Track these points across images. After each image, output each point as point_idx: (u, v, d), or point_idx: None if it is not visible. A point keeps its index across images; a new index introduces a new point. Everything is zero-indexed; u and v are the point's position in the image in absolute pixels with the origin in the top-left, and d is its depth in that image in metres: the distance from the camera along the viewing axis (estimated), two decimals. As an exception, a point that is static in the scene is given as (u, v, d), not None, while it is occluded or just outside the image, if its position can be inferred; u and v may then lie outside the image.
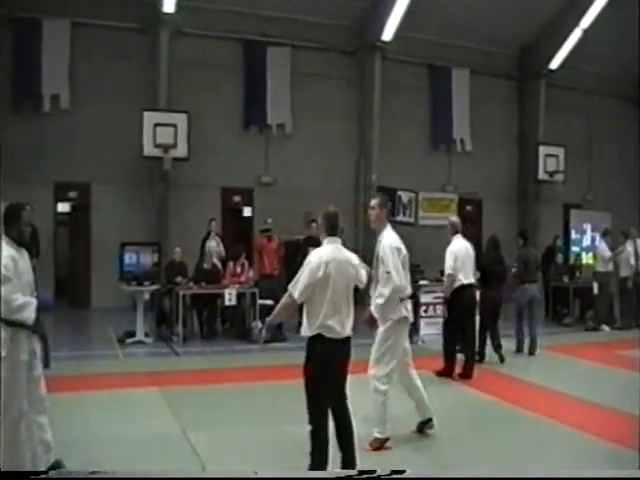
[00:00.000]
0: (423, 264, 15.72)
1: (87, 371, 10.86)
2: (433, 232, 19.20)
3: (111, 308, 17.66)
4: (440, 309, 12.51)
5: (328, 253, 6.18)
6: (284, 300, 6.23)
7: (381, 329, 7.45)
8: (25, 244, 6.30)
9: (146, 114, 18.32)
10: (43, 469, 6.29)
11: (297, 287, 6.08)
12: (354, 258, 6.39)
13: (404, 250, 7.52)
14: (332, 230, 6.35)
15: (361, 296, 7.36)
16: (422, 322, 14.25)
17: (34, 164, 18.38)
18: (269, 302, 14.77)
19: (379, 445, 7.24)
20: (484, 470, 6.18)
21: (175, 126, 18.44)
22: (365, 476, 4.85)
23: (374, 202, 7.68)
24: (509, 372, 11.45)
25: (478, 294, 11.91)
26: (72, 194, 19.53)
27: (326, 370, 6.09)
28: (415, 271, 14.57)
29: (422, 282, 14.73)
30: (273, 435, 7.74)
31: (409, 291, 7.61)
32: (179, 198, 19.51)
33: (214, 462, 6.83)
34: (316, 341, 6.10)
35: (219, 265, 15.56)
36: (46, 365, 6.50)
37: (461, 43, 22.70)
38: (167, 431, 7.91)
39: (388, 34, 21.32)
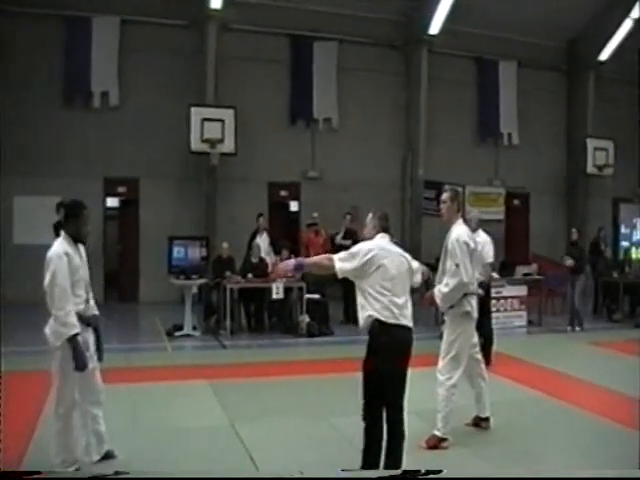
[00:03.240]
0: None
1: (136, 363, 11.01)
2: (481, 226, 19.10)
3: (159, 302, 17.86)
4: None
5: (382, 245, 6.07)
6: (325, 262, 6.10)
7: (447, 324, 7.54)
8: (82, 241, 6.52)
9: (194, 109, 18.47)
10: (96, 458, 6.43)
11: (344, 262, 5.94)
12: (405, 254, 6.23)
13: (472, 245, 7.53)
14: (384, 229, 6.23)
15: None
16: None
17: (84, 159, 18.72)
18: (316, 296, 14.88)
19: (436, 443, 7.17)
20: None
21: (222, 121, 18.55)
22: (407, 476, 4.80)
23: (445, 196, 7.64)
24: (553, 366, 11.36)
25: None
26: (121, 189, 19.76)
27: (386, 357, 5.84)
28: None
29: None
30: (320, 428, 7.78)
31: (475, 287, 7.65)
32: (226, 193, 19.63)
33: (261, 454, 6.88)
34: (376, 324, 5.87)
35: (267, 259, 15.64)
36: (99, 358, 6.61)
37: (508, 36, 22.46)
38: (216, 423, 8.00)
39: (435, 28, 21.23)
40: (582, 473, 5.47)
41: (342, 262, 5.94)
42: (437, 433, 7.21)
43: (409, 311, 6.04)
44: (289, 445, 7.25)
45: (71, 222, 6.47)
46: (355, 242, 17.10)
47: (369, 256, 5.91)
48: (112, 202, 19.97)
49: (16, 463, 6.44)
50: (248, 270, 14.96)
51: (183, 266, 14.51)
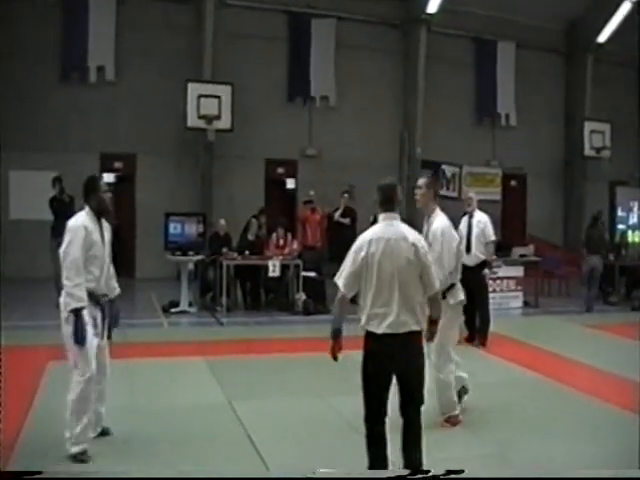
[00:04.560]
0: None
1: (132, 339, 10.93)
2: (477, 207, 19.10)
3: (155, 278, 17.87)
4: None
5: (375, 231, 5.41)
6: (337, 296, 5.50)
7: (443, 318, 6.82)
8: (105, 212, 6.54)
9: (190, 85, 18.38)
10: (92, 435, 6.39)
11: (341, 277, 5.44)
12: (412, 234, 5.42)
13: (455, 235, 7.44)
14: (387, 205, 5.52)
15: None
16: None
17: (80, 135, 18.64)
18: (312, 274, 14.88)
19: (454, 421, 7.23)
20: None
21: (219, 97, 18.49)
22: (420, 476, 4.77)
23: (421, 181, 7.37)
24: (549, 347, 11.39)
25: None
26: (117, 165, 19.66)
27: (375, 374, 5.33)
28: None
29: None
30: (317, 406, 7.80)
31: (459, 276, 7.43)
32: (223, 169, 19.57)
33: (259, 432, 6.89)
34: (366, 337, 5.39)
35: (263, 237, 15.63)
36: (108, 337, 6.67)
37: (507, 16, 22.36)
38: (213, 400, 7.99)
39: (433, 6, 21.11)
40: (582, 473, 5.48)
41: (339, 279, 5.47)
42: (450, 412, 7.24)
43: (412, 311, 5.31)
44: (287, 424, 7.24)
45: (91, 197, 6.48)
46: (353, 220, 17.17)
47: (361, 256, 5.33)
48: (108, 178, 19.81)
49: (13, 438, 6.45)
50: (245, 247, 14.94)
51: (179, 242, 14.49)
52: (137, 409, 7.64)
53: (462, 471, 4.51)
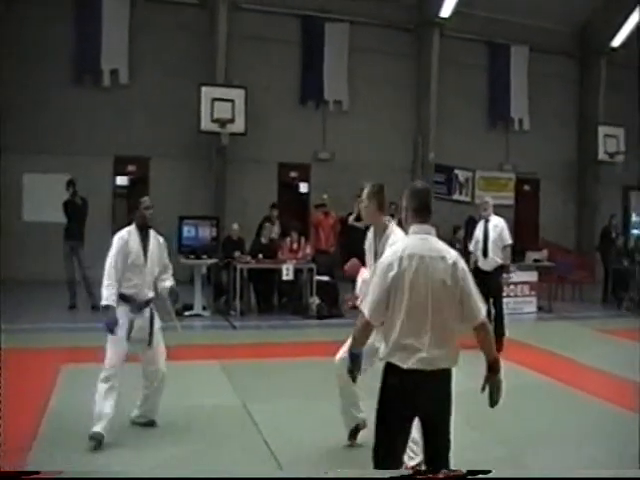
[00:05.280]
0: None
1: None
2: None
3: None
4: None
5: (408, 245, 4.61)
6: (358, 321, 4.71)
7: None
8: (145, 227, 7.26)
9: (204, 89, 18.38)
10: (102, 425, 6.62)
11: (366, 302, 4.62)
12: (451, 253, 4.63)
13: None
14: (422, 214, 4.71)
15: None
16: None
17: (94, 138, 18.65)
18: (325, 278, 14.88)
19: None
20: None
21: (232, 101, 18.48)
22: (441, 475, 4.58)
23: (364, 193, 6.62)
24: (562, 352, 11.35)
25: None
26: (131, 168, 19.71)
27: (394, 414, 4.59)
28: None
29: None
30: (330, 410, 7.76)
31: None
32: (236, 173, 19.57)
33: (274, 434, 6.93)
34: (386, 369, 4.61)
35: (277, 237, 15.66)
36: (149, 343, 7.21)
37: (520, 20, 22.31)
38: (228, 403, 8.02)
39: (447, 10, 21.08)
40: (582, 473, 5.46)
41: (365, 304, 4.63)
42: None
43: (446, 346, 4.52)
44: (301, 427, 7.27)
45: (135, 213, 7.36)
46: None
47: (391, 275, 4.52)
48: (122, 181, 19.93)
49: (30, 438, 6.47)
50: (258, 251, 14.95)
51: (193, 246, 14.52)
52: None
53: (489, 471, 4.35)
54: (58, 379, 8.88)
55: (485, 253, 11.72)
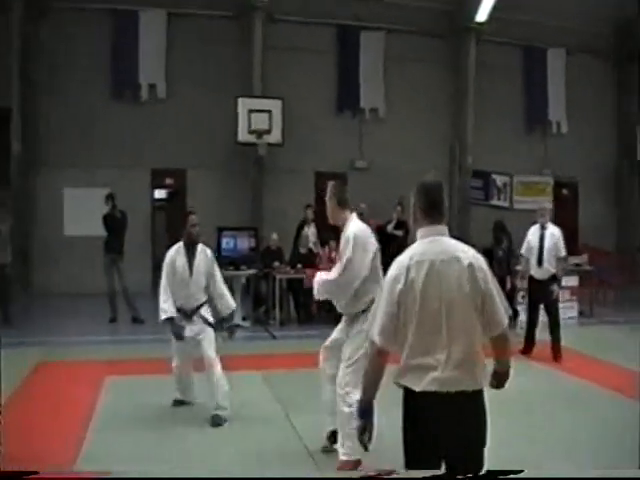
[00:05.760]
0: (518, 249, 15.39)
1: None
2: (528, 216, 18.90)
3: (208, 292, 17.94)
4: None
5: (415, 251, 4.00)
6: (369, 353, 4.13)
7: (358, 325, 6.29)
8: (193, 244, 8.03)
9: (240, 100, 18.52)
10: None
11: (375, 323, 4.01)
12: (467, 252, 4.02)
13: (373, 241, 6.51)
14: (432, 212, 4.08)
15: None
16: (520, 308, 13.98)
17: (132, 151, 18.85)
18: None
19: (351, 467, 6.21)
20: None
21: (269, 112, 18.59)
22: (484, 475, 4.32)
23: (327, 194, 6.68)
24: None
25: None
26: (168, 180, 19.91)
27: (419, 446, 3.95)
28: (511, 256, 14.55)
29: (518, 268, 14.39)
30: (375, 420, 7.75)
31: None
32: (273, 183, 19.63)
33: (316, 444, 6.92)
34: (404, 396, 4.01)
35: (315, 250, 15.63)
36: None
37: (557, 23, 22.12)
38: (270, 413, 8.04)
39: (483, 15, 20.99)
40: (582, 473, 5.36)
41: (373, 328, 4.04)
42: (347, 458, 6.15)
43: (469, 362, 3.88)
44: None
45: (182, 231, 8.15)
46: (407, 232, 16.96)
47: (398, 289, 3.92)
48: (160, 193, 20.11)
49: (77, 445, 6.53)
50: (297, 261, 14.96)
51: (232, 257, 14.55)
52: (198, 419, 7.77)
53: (521, 471, 4.01)
54: (102, 391, 8.95)
55: (540, 261, 11.51)
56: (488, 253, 13.26)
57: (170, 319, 7.87)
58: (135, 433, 7.33)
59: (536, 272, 11.56)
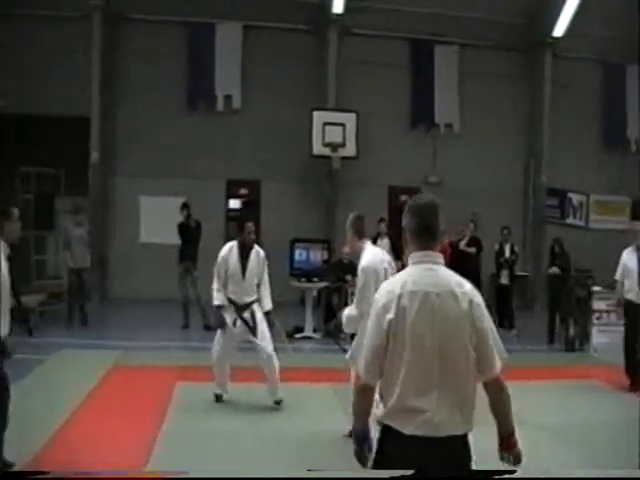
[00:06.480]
0: (594, 269, 15.08)
1: (256, 363, 11.12)
2: (605, 236, 18.64)
3: (278, 302, 18.00)
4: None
5: (407, 279, 3.70)
6: (355, 386, 3.92)
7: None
8: (247, 247, 8.95)
9: (315, 113, 18.63)
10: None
11: (361, 358, 3.79)
12: (463, 285, 3.76)
13: (379, 271, 6.98)
14: (425, 237, 3.87)
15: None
16: (594, 330, 13.68)
17: (207, 161, 19.09)
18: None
19: None
20: None
21: (344, 125, 18.65)
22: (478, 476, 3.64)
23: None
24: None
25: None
26: (243, 191, 20.09)
27: None
28: (586, 276, 14.22)
29: (595, 288, 14.07)
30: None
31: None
32: (347, 196, 19.61)
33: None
34: (384, 433, 3.72)
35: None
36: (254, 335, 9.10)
37: (635, 37, 21.70)
38: (341, 428, 8.00)
39: (560, 30, 20.71)
40: (582, 473, 5.25)
41: (360, 360, 3.81)
42: None
43: (462, 406, 3.64)
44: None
45: (239, 234, 9.03)
46: (479, 251, 16.77)
47: (387, 319, 3.65)
48: (234, 204, 20.29)
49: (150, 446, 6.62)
50: (369, 275, 14.90)
51: (305, 269, 14.61)
52: (267, 431, 7.81)
53: (514, 471, 3.71)
54: (173, 396, 9.08)
55: None
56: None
57: (220, 307, 8.89)
58: (204, 439, 7.40)
59: (636, 297, 10.72)
